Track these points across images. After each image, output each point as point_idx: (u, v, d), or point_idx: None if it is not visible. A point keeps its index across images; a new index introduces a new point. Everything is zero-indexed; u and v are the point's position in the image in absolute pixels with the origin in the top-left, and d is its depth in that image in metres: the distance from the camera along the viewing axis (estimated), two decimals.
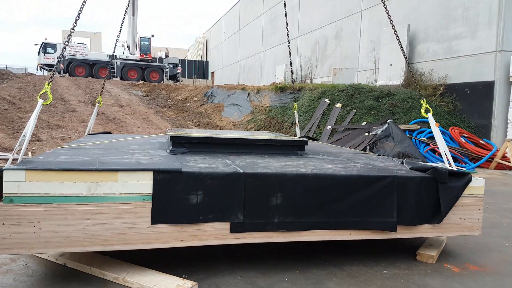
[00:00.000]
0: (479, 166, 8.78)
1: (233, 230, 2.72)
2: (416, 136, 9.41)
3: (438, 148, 8.84)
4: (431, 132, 9.52)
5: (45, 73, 25.48)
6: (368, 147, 8.93)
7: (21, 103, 13.27)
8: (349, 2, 16.26)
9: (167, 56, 28.22)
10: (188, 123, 14.62)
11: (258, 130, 12.46)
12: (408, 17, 12.81)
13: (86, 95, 15.76)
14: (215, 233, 2.69)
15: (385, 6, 4.16)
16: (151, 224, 2.55)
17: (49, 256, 2.88)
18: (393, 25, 4.11)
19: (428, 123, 10.04)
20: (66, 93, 15.55)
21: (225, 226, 2.70)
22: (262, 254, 3.19)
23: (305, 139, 4.52)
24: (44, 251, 2.46)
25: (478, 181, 3.27)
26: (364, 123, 10.32)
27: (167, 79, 26.80)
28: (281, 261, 3.05)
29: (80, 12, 3.42)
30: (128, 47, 25.64)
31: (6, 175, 2.33)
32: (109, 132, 6.54)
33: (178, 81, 28.06)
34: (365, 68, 14.97)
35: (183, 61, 37.67)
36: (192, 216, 2.63)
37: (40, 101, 3.05)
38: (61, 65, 23.30)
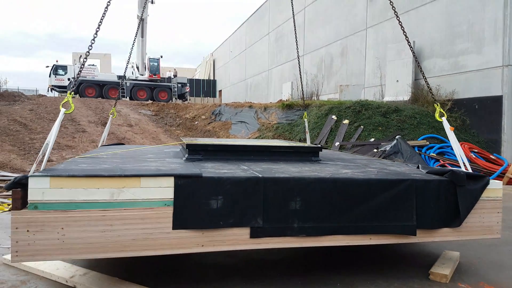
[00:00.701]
0: None
1: (253, 235, 2.71)
2: (425, 152, 9.35)
3: (448, 164, 8.77)
4: (440, 147, 9.46)
5: (56, 94, 25.96)
6: None
7: (33, 125, 13.49)
8: (354, 20, 16.45)
9: (175, 75, 28.60)
10: None
11: None
12: (413, 33, 12.89)
13: (96, 115, 15.99)
14: (236, 238, 2.69)
15: (399, 21, 4.36)
16: (173, 229, 2.56)
17: (59, 278, 2.89)
18: (407, 39, 4.31)
19: (437, 138, 10.01)
20: (77, 113, 15.78)
21: (245, 231, 2.70)
22: (271, 274, 3.17)
23: (319, 145, 4.58)
24: (68, 258, 2.49)
25: (496, 184, 3.27)
26: (372, 139, 10.29)
27: (176, 98, 27.12)
28: (290, 282, 3.02)
29: (93, 41, 3.53)
30: (137, 67, 26.10)
31: (31, 182, 2.36)
32: (122, 143, 6.62)
33: (186, 100, 28.37)
34: (372, 85, 15.02)
35: (191, 80, 38.14)
36: (213, 221, 2.63)
37: (62, 110, 3.16)
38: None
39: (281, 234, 2.76)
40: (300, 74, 7.02)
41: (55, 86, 25.27)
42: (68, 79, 24.91)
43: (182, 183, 2.59)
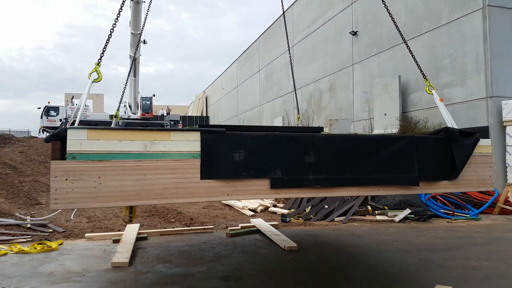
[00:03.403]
0: (482, 212, 8.65)
1: (273, 185, 2.98)
2: None
3: (439, 196, 8.78)
4: None
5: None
6: (369, 197, 8.86)
7: (22, 167, 13.35)
8: (341, 57, 16.93)
9: (168, 113, 28.91)
10: None
11: None
12: (398, 68, 13.28)
13: None
14: (258, 189, 2.95)
15: (407, 46, 5.06)
16: (201, 179, 2.79)
17: None
18: (416, 62, 5.00)
19: None
20: None
21: (266, 182, 2.98)
22: None
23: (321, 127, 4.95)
24: (104, 205, 2.63)
25: (486, 141, 3.71)
26: None
27: None
28: None
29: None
30: (130, 106, 26.32)
31: (69, 133, 2.53)
32: None
33: None
34: (361, 118, 15.24)
35: (184, 118, 38.47)
36: (236, 172, 2.89)
37: (91, 79, 3.40)
38: (64, 127, 23.74)
39: (298, 185, 3.05)
40: (295, 90, 7.36)
41: (46, 127, 25.27)
42: (60, 120, 24.97)
43: (207, 137, 2.84)
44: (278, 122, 21.46)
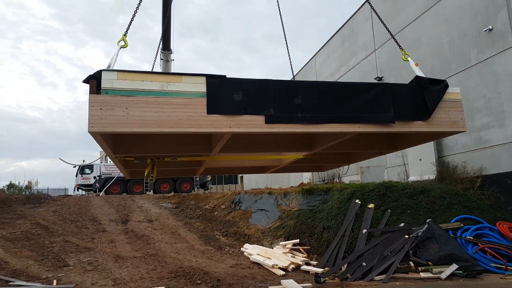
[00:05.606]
0: None
1: (267, 121, 3.50)
2: (461, 236, 8.60)
3: (487, 248, 7.99)
4: (477, 229, 8.72)
5: (82, 192, 26.50)
6: (411, 252, 8.16)
7: (54, 227, 13.47)
8: None
9: None
10: (216, 233, 14.23)
11: (288, 237, 11.87)
12: None
13: (117, 213, 15.95)
14: (254, 123, 3.47)
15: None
16: (207, 114, 3.35)
17: None
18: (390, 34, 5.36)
19: (471, 219, 9.27)
20: (99, 212, 15.81)
21: (261, 118, 3.50)
22: None
23: None
24: (130, 131, 3.13)
25: (455, 89, 4.21)
26: (402, 224, 9.63)
27: (198, 188, 27.19)
28: None
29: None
30: None
31: (103, 74, 3.16)
32: None
33: (208, 189, 28.39)
34: (394, 164, 14.65)
35: None
36: (236, 109, 3.44)
37: (118, 46, 3.99)
38: (97, 184, 24.30)
39: (289, 122, 3.55)
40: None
41: (81, 185, 25.91)
42: (94, 177, 25.58)
43: (212, 81, 3.43)
44: (306, 173, 21.03)
